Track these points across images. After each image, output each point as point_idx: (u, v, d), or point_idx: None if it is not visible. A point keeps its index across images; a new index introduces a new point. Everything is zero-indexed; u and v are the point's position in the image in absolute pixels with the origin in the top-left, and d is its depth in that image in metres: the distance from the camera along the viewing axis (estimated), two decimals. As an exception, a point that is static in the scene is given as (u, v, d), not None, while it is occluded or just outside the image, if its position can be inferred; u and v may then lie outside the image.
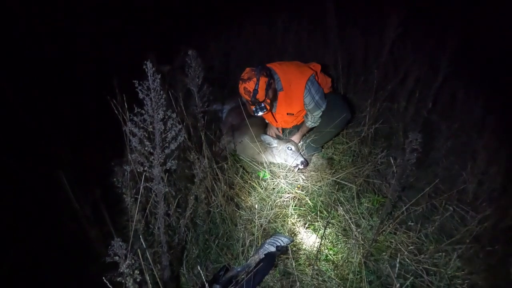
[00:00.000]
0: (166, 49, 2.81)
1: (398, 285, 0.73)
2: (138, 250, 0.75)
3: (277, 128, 2.38)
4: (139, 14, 3.45)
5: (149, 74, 0.81)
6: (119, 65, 1.92)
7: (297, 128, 2.29)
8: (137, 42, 2.88)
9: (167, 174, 1.61)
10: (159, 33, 3.31)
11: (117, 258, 0.68)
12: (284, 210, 1.76)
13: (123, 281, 0.75)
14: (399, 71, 2.70)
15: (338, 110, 2.03)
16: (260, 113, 1.95)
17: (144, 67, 0.81)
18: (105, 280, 0.66)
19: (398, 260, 0.84)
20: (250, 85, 1.83)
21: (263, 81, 1.83)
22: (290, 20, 3.24)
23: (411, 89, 2.47)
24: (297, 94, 1.98)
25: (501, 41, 3.15)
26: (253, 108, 1.95)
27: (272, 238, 1.55)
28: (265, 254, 1.43)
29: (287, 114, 2.14)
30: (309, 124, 2.12)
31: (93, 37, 2.87)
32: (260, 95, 1.85)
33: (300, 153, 2.08)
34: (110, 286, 0.67)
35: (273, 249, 1.47)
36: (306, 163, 2.02)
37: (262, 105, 1.91)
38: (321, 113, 2.05)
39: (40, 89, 2.07)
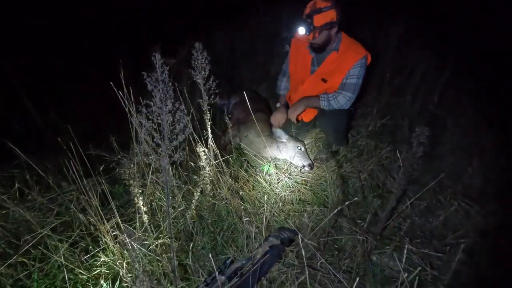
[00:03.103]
0: (171, 43, 2.81)
1: (405, 275, 0.73)
2: (147, 239, 0.76)
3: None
4: (145, 7, 3.44)
5: (157, 66, 0.81)
6: (125, 59, 1.93)
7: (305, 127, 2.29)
8: (143, 35, 2.88)
9: (174, 166, 1.63)
10: (164, 26, 3.30)
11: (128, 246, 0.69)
12: (289, 203, 1.77)
13: (132, 269, 0.76)
14: (406, 66, 2.67)
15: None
16: (299, 29, 1.78)
17: (152, 58, 0.82)
18: (118, 264, 0.67)
19: (405, 255, 0.85)
20: (321, 3, 1.74)
21: (333, 13, 1.74)
22: (295, 13, 3.21)
23: (418, 84, 2.45)
24: (349, 60, 1.88)
25: (509, 37, 3.10)
26: (301, 23, 1.79)
27: (276, 231, 1.56)
28: (269, 247, 1.44)
29: (322, 79, 2.00)
30: (324, 104, 1.95)
31: (99, 31, 2.87)
32: (318, 19, 1.73)
33: (308, 155, 2.08)
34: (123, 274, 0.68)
35: (277, 242, 1.48)
36: (312, 166, 2.02)
37: (311, 26, 1.75)
38: (348, 100, 1.92)
39: (46, 84, 2.09)
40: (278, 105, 2.32)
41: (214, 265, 1.08)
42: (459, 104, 2.42)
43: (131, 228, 0.68)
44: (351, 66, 1.88)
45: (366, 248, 1.41)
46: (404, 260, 0.86)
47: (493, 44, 3.05)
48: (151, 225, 1.45)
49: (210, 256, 1.07)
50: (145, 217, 1.34)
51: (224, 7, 3.76)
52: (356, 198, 1.57)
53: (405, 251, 0.86)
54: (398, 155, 1.12)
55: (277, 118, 2.21)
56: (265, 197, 1.18)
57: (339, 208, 1.18)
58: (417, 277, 1.32)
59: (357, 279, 1.32)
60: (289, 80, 2.28)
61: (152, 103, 0.83)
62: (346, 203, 1.21)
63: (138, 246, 0.74)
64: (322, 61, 1.99)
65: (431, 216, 1.64)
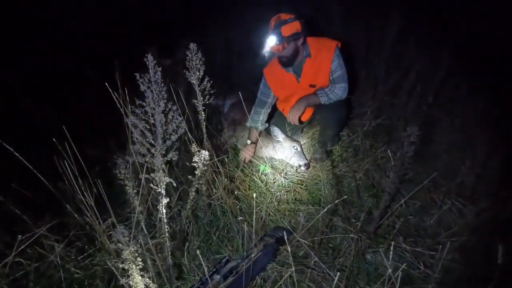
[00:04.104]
0: (168, 43, 2.82)
1: (390, 270, 0.75)
2: (141, 239, 0.77)
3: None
4: (141, 7, 3.45)
5: (150, 67, 0.83)
6: (121, 59, 1.94)
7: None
8: (139, 36, 2.89)
9: (168, 165, 1.64)
10: (161, 27, 3.32)
11: (120, 245, 0.70)
12: (284, 203, 1.79)
13: (126, 267, 0.77)
14: (401, 66, 2.69)
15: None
16: (269, 39, 1.82)
17: (145, 60, 0.83)
18: (110, 265, 0.69)
19: (392, 247, 0.86)
20: (285, 16, 1.82)
21: (297, 24, 1.80)
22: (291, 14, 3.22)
23: (413, 84, 2.47)
24: (325, 60, 1.91)
25: (504, 36, 3.12)
26: (271, 33, 1.82)
27: (272, 231, 1.58)
28: (264, 246, 1.45)
29: (310, 86, 2.02)
30: (324, 99, 1.95)
31: (95, 31, 2.88)
32: (285, 30, 1.79)
33: (304, 155, 2.09)
34: (115, 271, 0.69)
35: (272, 241, 1.49)
36: (308, 165, 2.03)
37: (280, 37, 1.79)
38: (344, 90, 1.93)
39: (43, 82, 2.10)
40: (248, 142, 2.22)
41: (203, 264, 1.10)
42: (454, 104, 2.44)
43: (122, 229, 0.69)
44: (329, 63, 1.91)
45: (360, 247, 1.42)
46: (391, 256, 0.88)
47: (489, 45, 3.08)
48: (147, 225, 1.46)
49: (199, 255, 1.08)
50: (141, 217, 1.34)
51: (222, 6, 3.77)
52: (345, 196, 1.59)
53: (392, 247, 0.87)
54: (390, 155, 1.13)
55: (244, 155, 2.17)
56: (254, 194, 1.19)
57: (329, 206, 1.19)
58: (404, 273, 1.35)
59: (351, 277, 1.34)
60: (268, 110, 2.22)
61: (144, 104, 0.84)
62: (336, 201, 1.22)
63: (133, 245, 0.75)
64: (301, 72, 2.00)
65: (425, 215, 1.65)
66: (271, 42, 1.82)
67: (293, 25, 1.80)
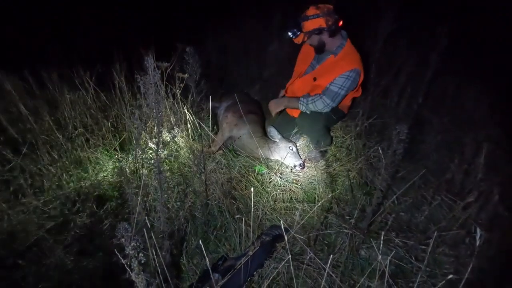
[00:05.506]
0: (165, 46, 2.84)
1: (380, 257, 0.79)
2: (145, 233, 0.80)
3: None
4: (138, 10, 3.47)
5: (149, 70, 0.86)
6: (118, 61, 1.96)
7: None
8: (136, 39, 2.91)
9: (168, 167, 1.67)
10: (158, 29, 3.34)
11: (123, 240, 0.73)
12: (280, 202, 1.82)
13: (128, 262, 0.80)
14: (392, 67, 2.76)
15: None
16: (289, 33, 1.98)
17: (145, 63, 0.86)
18: (116, 252, 0.72)
19: (382, 239, 0.90)
20: (311, 11, 1.92)
21: (320, 21, 1.90)
22: (286, 15, 3.27)
23: (404, 85, 2.54)
24: (339, 68, 1.98)
25: (492, 37, 3.22)
26: (289, 29, 1.98)
27: (268, 229, 1.61)
28: (262, 244, 1.49)
29: (314, 78, 2.12)
30: (302, 108, 2.12)
31: (92, 33, 2.90)
32: (306, 24, 1.92)
33: (299, 155, 2.13)
34: (121, 260, 0.72)
35: (269, 239, 1.53)
36: (303, 165, 2.07)
37: (298, 33, 1.95)
38: (326, 105, 2.03)
39: (39, 84, 2.11)
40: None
41: (203, 263, 1.12)
42: (443, 104, 2.51)
43: (126, 225, 0.72)
44: (339, 74, 1.98)
45: (354, 243, 1.47)
46: (381, 246, 0.92)
47: (478, 45, 3.17)
48: (145, 225, 1.48)
49: (202, 256, 1.11)
50: (140, 217, 1.37)
51: (217, 8, 3.81)
52: (337, 191, 1.63)
53: (381, 239, 0.91)
54: (380, 152, 1.18)
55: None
56: (252, 189, 1.22)
57: (322, 201, 1.23)
58: (396, 267, 1.39)
59: (345, 272, 1.38)
60: None
61: (143, 106, 0.88)
62: (329, 195, 1.26)
63: (135, 241, 0.78)
64: (322, 61, 2.11)
65: (416, 211, 1.71)
66: (290, 33, 1.97)
67: (315, 21, 1.91)
